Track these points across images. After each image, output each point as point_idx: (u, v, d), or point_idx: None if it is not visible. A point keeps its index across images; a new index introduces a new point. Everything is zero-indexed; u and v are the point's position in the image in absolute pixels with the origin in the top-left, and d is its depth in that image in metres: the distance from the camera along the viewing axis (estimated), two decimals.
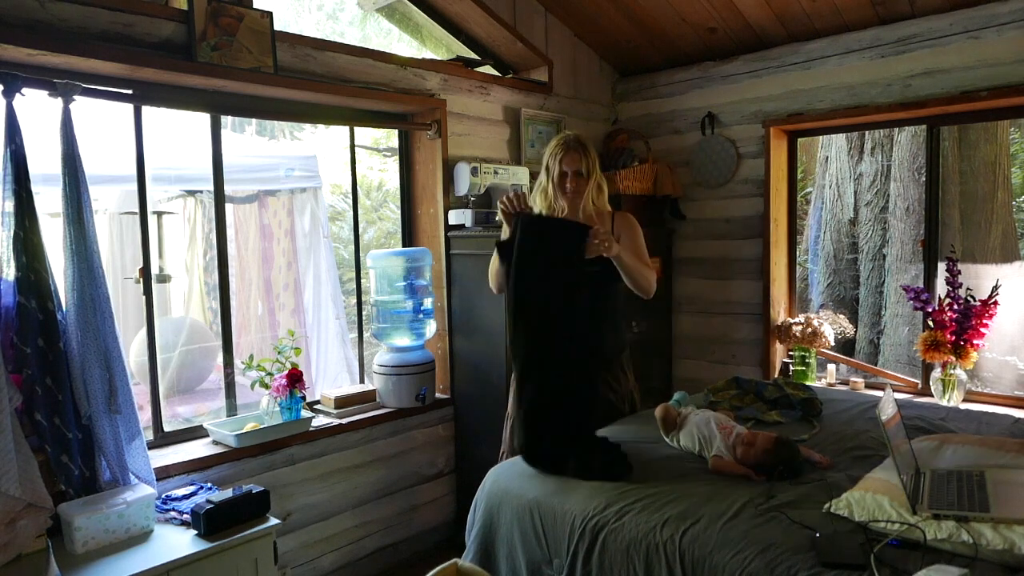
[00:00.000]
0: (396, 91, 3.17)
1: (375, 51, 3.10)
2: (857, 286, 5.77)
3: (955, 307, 3.11)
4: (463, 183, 3.30)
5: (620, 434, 2.38)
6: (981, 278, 3.38)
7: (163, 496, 2.39)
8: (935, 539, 1.49)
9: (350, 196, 3.53)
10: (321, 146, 5.60)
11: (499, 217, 2.34)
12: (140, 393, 2.78)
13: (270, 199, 4.60)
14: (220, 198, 2.85)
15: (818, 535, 1.54)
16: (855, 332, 5.52)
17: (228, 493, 2.29)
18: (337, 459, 2.99)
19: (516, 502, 1.96)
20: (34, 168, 2.15)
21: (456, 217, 3.31)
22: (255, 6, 2.67)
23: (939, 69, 3.18)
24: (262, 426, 2.74)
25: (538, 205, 2.50)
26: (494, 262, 2.44)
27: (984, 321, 3.06)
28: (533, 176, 3.60)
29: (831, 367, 3.71)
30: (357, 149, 3.37)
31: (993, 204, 4.91)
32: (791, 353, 3.71)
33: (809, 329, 3.59)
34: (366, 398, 3.20)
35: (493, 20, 3.50)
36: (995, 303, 3.06)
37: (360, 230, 3.41)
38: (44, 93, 2.22)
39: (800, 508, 1.71)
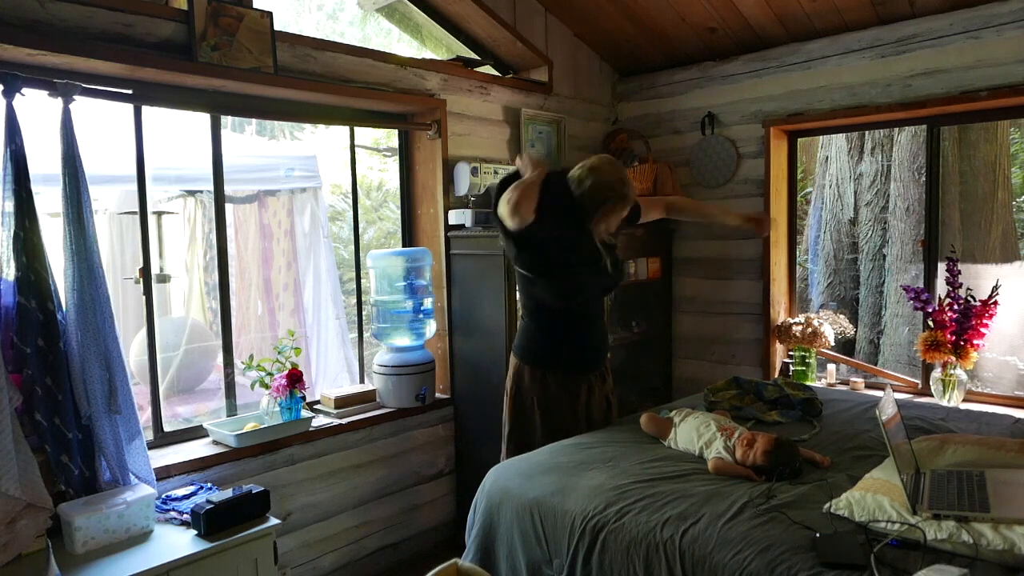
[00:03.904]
0: (396, 91, 3.17)
1: (375, 51, 3.10)
2: (857, 286, 5.78)
3: (955, 307, 3.11)
4: (463, 183, 3.30)
5: (619, 435, 2.38)
6: (981, 278, 3.38)
7: (163, 496, 2.39)
8: (935, 539, 1.48)
9: (350, 196, 3.53)
10: (321, 146, 5.60)
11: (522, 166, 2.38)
12: (140, 393, 2.78)
13: (270, 199, 4.59)
14: (220, 198, 2.85)
15: (818, 535, 1.54)
16: (855, 332, 5.52)
17: (228, 493, 2.29)
18: (337, 459, 2.99)
19: (516, 502, 1.96)
20: (34, 168, 2.15)
21: (456, 217, 3.31)
22: (255, 6, 2.67)
23: (939, 69, 3.18)
24: (262, 426, 2.74)
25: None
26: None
27: (984, 321, 3.06)
28: None
29: (831, 367, 3.71)
30: (357, 149, 3.37)
31: (993, 204, 4.91)
32: (791, 353, 3.71)
33: (809, 329, 3.59)
34: (366, 398, 3.20)
35: (493, 20, 3.50)
36: (995, 303, 3.06)
37: (360, 230, 3.41)
38: (44, 93, 2.22)
39: (800, 508, 1.71)
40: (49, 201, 2.47)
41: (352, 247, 3.43)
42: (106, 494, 2.21)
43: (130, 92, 2.51)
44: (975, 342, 3.07)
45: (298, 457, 2.85)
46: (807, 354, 3.63)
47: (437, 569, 1.85)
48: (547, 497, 1.91)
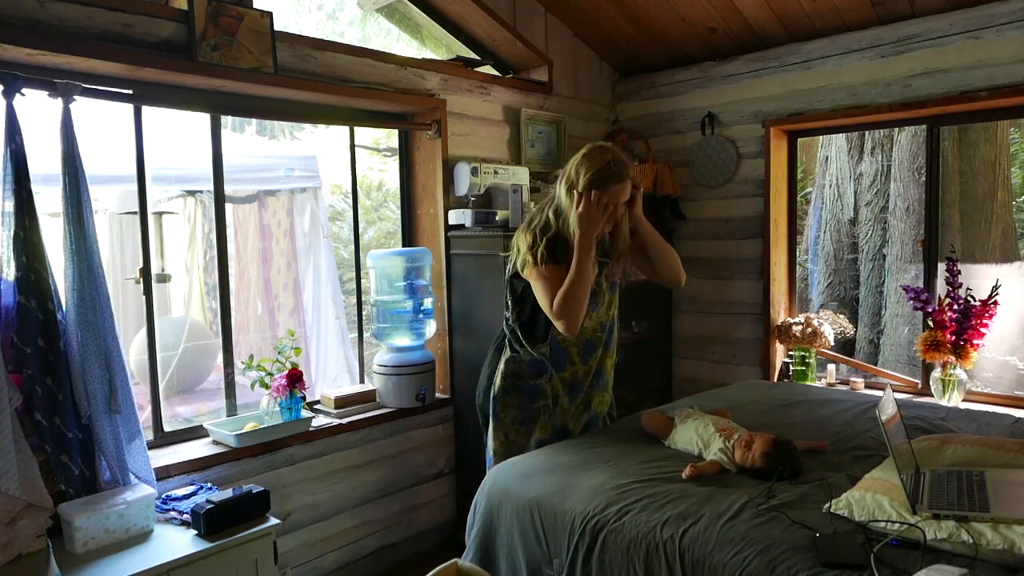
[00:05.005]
0: (396, 91, 3.17)
1: (375, 51, 3.10)
2: (857, 286, 5.78)
3: (955, 307, 3.11)
4: (463, 183, 3.30)
5: (619, 435, 2.38)
6: (981, 278, 3.39)
7: (163, 496, 2.39)
8: (935, 539, 1.48)
9: (350, 196, 3.53)
10: (321, 146, 5.59)
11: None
12: (140, 393, 2.78)
13: (270, 199, 4.59)
14: (220, 198, 2.85)
15: (818, 535, 1.54)
16: (855, 332, 5.52)
17: (228, 493, 2.29)
18: (337, 459, 2.99)
19: (516, 502, 1.96)
20: (34, 168, 2.15)
21: (456, 217, 3.31)
22: (255, 6, 2.67)
23: (939, 69, 3.18)
24: (262, 426, 2.74)
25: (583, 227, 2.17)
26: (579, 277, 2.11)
27: (984, 321, 3.06)
28: (533, 176, 3.60)
29: (831, 367, 3.71)
30: (357, 149, 3.37)
31: (993, 204, 4.92)
32: (791, 353, 3.71)
33: (809, 329, 3.59)
34: (366, 398, 3.20)
35: (493, 20, 3.50)
36: (995, 303, 3.06)
37: (360, 230, 3.41)
38: (44, 93, 2.22)
39: (800, 508, 1.71)
40: (49, 201, 2.46)
41: (352, 247, 3.43)
42: (106, 494, 2.21)
43: (130, 92, 2.51)
44: (975, 342, 3.07)
45: (298, 457, 2.85)
46: (807, 354, 3.63)
47: (437, 569, 1.85)
48: (547, 497, 1.91)
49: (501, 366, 2.35)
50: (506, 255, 3.08)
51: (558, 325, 2.14)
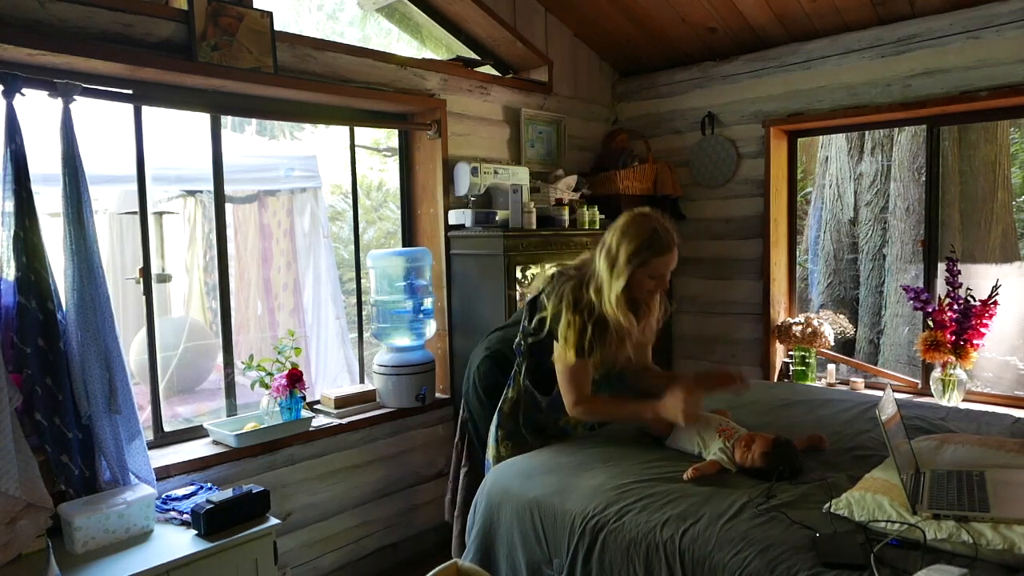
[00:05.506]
0: (396, 91, 3.17)
1: (375, 51, 3.10)
2: (857, 286, 5.78)
3: (955, 307, 3.11)
4: (463, 183, 3.30)
5: (619, 435, 2.38)
6: (981, 278, 3.39)
7: (163, 496, 2.39)
8: (935, 539, 1.48)
9: (350, 196, 3.53)
10: (321, 146, 5.59)
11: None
12: (140, 393, 2.78)
13: (270, 199, 4.59)
14: (220, 198, 2.85)
15: (818, 535, 1.54)
16: (855, 332, 5.52)
17: (228, 493, 2.29)
18: (337, 459, 2.99)
19: (516, 502, 1.96)
20: (34, 168, 2.15)
21: (456, 217, 3.31)
22: (255, 6, 2.67)
23: (939, 69, 3.18)
24: (262, 426, 2.74)
25: (612, 308, 2.08)
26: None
27: (984, 321, 3.06)
28: (533, 176, 3.60)
29: (831, 367, 3.71)
30: (357, 149, 3.37)
31: (993, 204, 4.92)
32: (791, 353, 3.72)
33: (809, 329, 3.59)
34: (366, 398, 3.20)
35: (493, 20, 3.50)
36: (995, 303, 3.06)
37: (360, 230, 3.41)
38: (44, 93, 2.23)
39: (800, 508, 1.71)
40: (49, 201, 2.47)
41: (352, 247, 3.43)
42: (106, 494, 2.21)
43: (130, 92, 2.51)
44: (975, 342, 3.08)
45: (298, 457, 2.85)
46: (807, 354, 3.63)
47: (437, 569, 1.85)
48: (547, 497, 1.91)
49: (509, 392, 2.32)
50: (506, 257, 3.09)
51: (571, 413, 2.19)
